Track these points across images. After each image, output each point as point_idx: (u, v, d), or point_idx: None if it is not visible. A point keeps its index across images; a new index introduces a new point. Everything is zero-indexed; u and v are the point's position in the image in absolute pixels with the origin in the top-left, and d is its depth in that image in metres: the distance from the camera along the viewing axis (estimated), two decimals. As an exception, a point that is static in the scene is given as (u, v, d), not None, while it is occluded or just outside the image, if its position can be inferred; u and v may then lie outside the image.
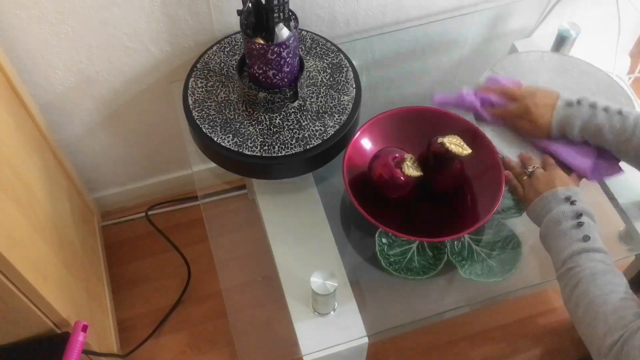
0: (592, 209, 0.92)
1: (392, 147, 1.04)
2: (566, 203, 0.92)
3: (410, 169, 0.98)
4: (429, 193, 1.06)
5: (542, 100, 1.03)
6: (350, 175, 1.03)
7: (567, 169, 1.03)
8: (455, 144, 0.96)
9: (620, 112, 0.97)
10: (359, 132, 1.06)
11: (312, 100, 1.09)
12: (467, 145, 0.98)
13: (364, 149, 1.07)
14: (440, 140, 0.97)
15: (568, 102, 1.00)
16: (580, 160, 1.02)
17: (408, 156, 0.99)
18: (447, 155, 0.98)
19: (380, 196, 1.03)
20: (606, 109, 0.98)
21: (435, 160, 1.00)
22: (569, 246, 0.88)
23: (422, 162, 1.01)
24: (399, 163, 0.99)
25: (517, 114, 1.05)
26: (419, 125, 1.08)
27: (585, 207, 0.92)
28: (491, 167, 1.04)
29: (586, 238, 0.87)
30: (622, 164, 1.03)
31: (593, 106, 0.98)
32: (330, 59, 1.14)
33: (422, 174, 0.99)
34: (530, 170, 1.01)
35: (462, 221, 1.02)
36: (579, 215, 0.90)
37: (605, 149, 1.01)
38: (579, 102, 1.00)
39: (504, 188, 1.01)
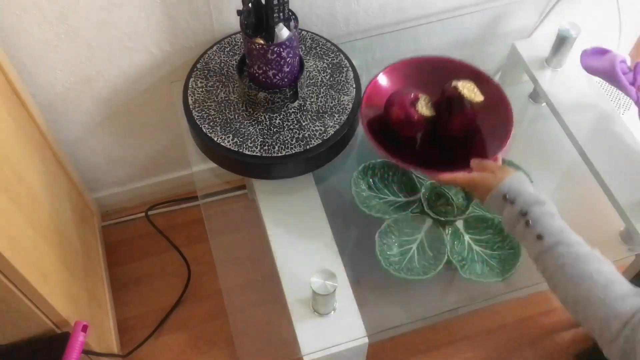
0: (538, 191, 0.86)
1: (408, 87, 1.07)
2: (506, 204, 0.87)
3: (424, 109, 1.02)
4: (441, 139, 1.08)
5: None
6: (367, 118, 1.06)
7: None
8: (468, 89, 1.00)
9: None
10: (380, 74, 1.10)
11: (312, 100, 1.09)
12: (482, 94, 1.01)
13: (383, 91, 1.09)
14: (454, 83, 1.00)
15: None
16: None
17: (423, 96, 1.03)
18: (460, 100, 1.01)
19: (395, 139, 1.05)
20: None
21: (448, 104, 1.03)
22: (531, 249, 0.85)
23: (436, 107, 1.04)
24: (414, 102, 1.02)
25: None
26: (437, 74, 1.09)
27: (526, 199, 0.86)
28: (502, 119, 1.05)
29: (540, 237, 0.83)
30: None
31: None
32: (330, 59, 1.14)
33: (435, 114, 1.03)
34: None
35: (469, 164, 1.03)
36: (523, 214, 0.85)
37: None
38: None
39: (511, 137, 1.03)
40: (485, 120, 1.07)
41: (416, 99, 1.02)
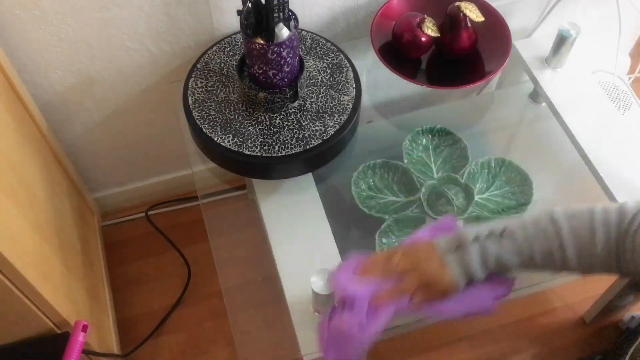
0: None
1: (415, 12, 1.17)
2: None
3: (430, 30, 1.12)
4: (444, 59, 1.19)
5: (428, 262, 0.80)
6: (378, 45, 1.17)
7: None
8: (470, 10, 1.10)
9: (502, 233, 0.78)
10: (388, 2, 1.19)
11: (312, 100, 1.09)
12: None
13: (390, 18, 1.19)
14: (457, 4, 1.10)
15: (447, 249, 0.80)
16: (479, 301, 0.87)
17: (428, 18, 1.13)
18: (462, 19, 1.11)
19: (402, 63, 1.15)
20: (489, 235, 0.79)
21: (451, 24, 1.13)
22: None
23: (440, 30, 1.14)
24: (420, 24, 1.12)
25: (414, 288, 0.80)
26: (441, 4, 1.17)
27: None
28: (500, 41, 1.17)
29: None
30: None
31: (476, 239, 0.79)
32: (330, 59, 1.14)
33: (439, 35, 1.13)
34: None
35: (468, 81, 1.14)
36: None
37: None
38: (458, 246, 0.79)
39: (508, 60, 1.15)
40: (484, 42, 1.18)
41: (422, 21, 1.12)
